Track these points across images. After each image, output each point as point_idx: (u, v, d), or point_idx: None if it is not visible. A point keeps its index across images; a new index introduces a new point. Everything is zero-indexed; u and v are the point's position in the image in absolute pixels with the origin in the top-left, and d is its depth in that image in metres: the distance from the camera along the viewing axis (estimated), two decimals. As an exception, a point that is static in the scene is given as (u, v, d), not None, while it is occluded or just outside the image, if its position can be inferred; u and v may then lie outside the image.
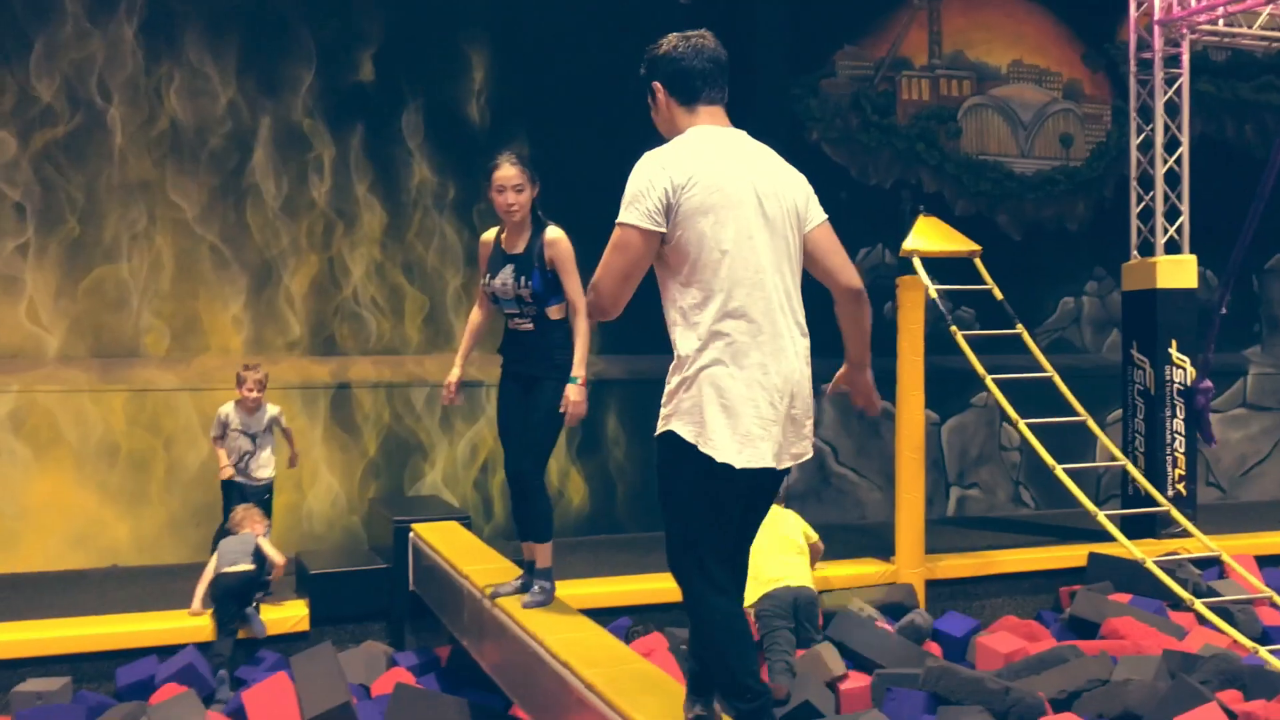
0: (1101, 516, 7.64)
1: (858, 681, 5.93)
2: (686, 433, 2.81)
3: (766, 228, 2.89)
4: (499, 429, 5.00)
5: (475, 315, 5.06)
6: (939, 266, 8.10)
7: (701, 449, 2.77)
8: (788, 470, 2.94)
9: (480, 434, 9.04)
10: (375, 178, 8.94)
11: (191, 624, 6.25)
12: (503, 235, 4.75)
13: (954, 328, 7.73)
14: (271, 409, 7.19)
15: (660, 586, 6.70)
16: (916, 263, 7.60)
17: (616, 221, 2.92)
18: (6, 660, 5.95)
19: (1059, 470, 7.66)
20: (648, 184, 2.84)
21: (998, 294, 8.05)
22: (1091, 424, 8.08)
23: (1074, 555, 8.13)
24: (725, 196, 2.83)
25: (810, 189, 3.08)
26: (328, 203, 8.81)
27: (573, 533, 9.18)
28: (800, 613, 6.26)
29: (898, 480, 7.66)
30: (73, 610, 6.54)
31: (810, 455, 3.00)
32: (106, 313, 8.27)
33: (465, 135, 9.20)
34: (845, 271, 3.06)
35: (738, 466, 2.77)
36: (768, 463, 2.79)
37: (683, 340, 2.87)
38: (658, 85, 3.02)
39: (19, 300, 8.07)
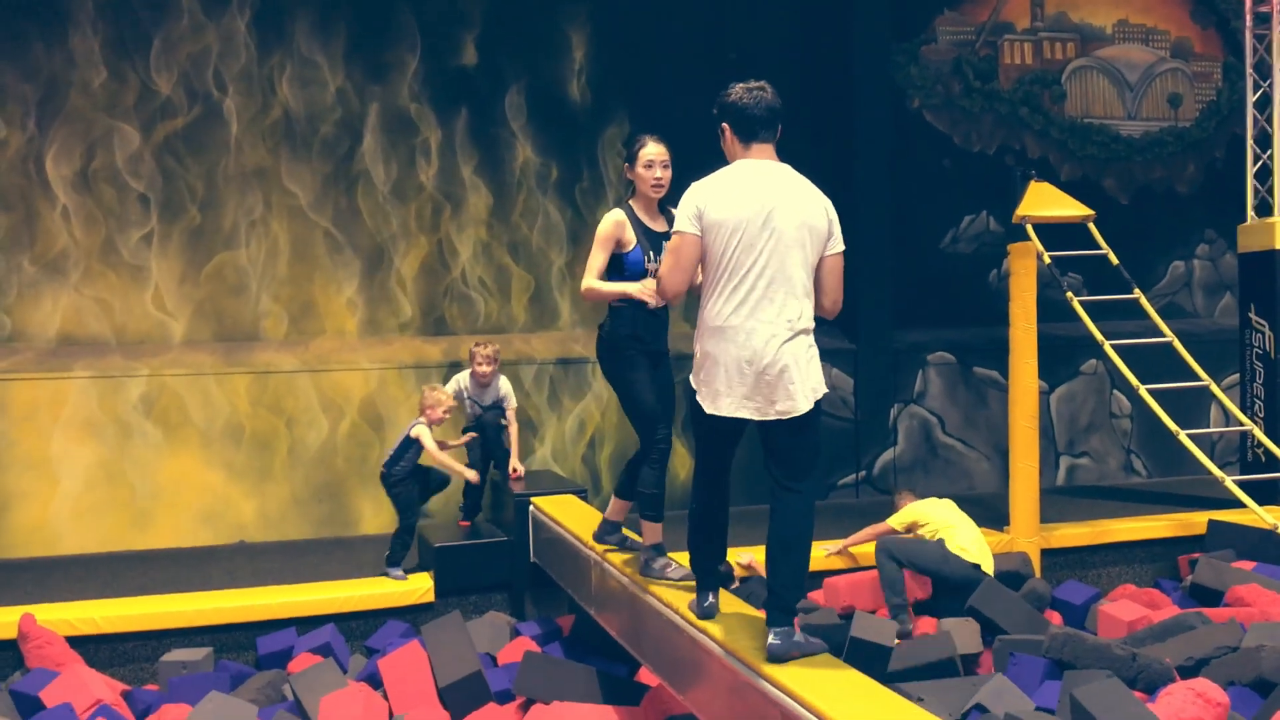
0: (1229, 483, 7.50)
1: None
2: (696, 390, 3.79)
3: (773, 240, 3.62)
4: (650, 403, 4.65)
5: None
6: (1047, 232, 7.99)
7: (696, 398, 3.78)
8: (776, 419, 3.64)
9: (588, 409, 9.16)
10: (480, 160, 9.09)
11: (327, 595, 6.48)
12: (641, 215, 4.67)
13: (1070, 294, 7.63)
14: (503, 387, 7.44)
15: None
16: (1029, 229, 7.50)
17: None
18: (152, 631, 6.23)
19: (1183, 436, 7.53)
20: (687, 202, 3.76)
21: (1113, 259, 7.92)
22: (1215, 388, 7.93)
23: (1192, 523, 7.99)
24: (738, 217, 3.63)
25: (834, 216, 3.80)
26: (435, 186, 8.99)
27: (680, 505, 9.23)
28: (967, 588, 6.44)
29: (1011, 449, 7.60)
30: (209, 584, 6.81)
31: (797, 413, 3.64)
32: (227, 298, 8.56)
33: (567, 115, 9.30)
34: (831, 298, 3.82)
35: (707, 411, 3.73)
36: (733, 413, 3.67)
37: (699, 320, 3.76)
38: (726, 126, 3.83)
39: (146, 288, 8.39)
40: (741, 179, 3.71)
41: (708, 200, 3.68)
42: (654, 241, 4.61)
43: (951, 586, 6.49)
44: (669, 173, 4.64)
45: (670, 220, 4.54)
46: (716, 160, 3.90)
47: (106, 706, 5.37)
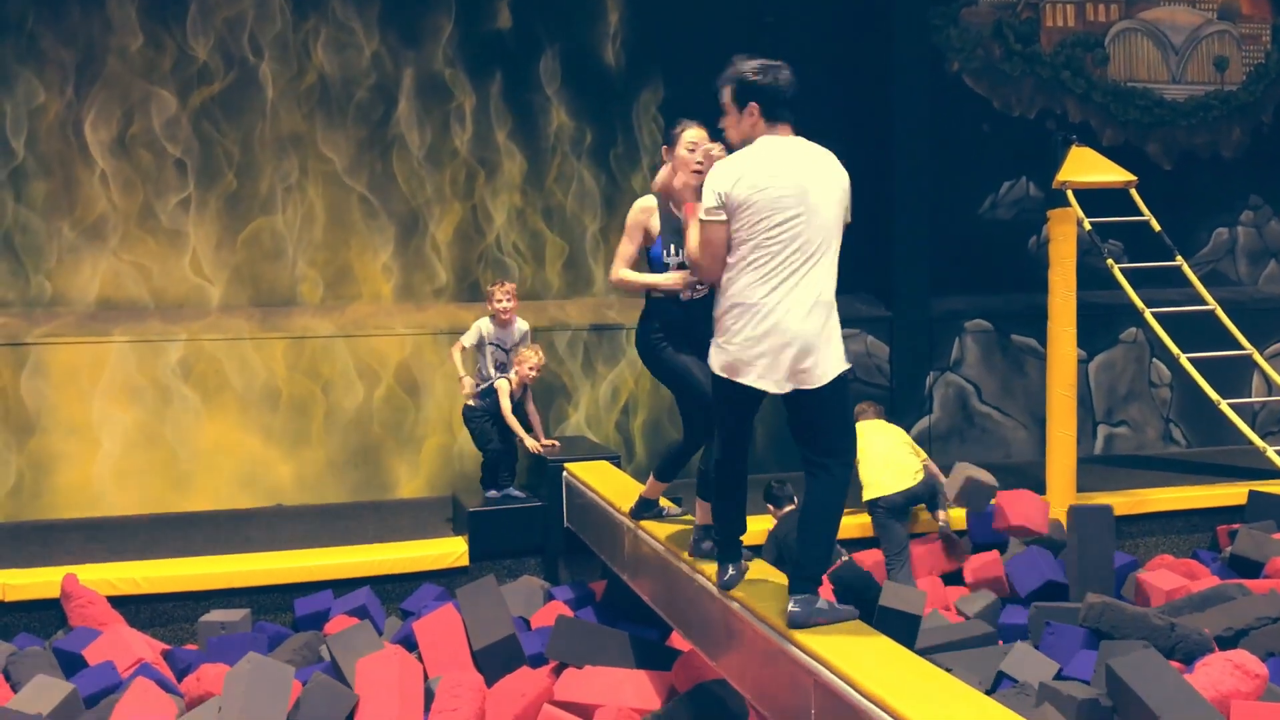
0: (1271, 453, 7.40)
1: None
2: (714, 357, 3.78)
3: (806, 216, 3.62)
4: (701, 387, 4.34)
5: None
6: (1087, 198, 7.88)
7: (713, 368, 3.79)
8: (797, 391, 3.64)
9: (621, 376, 9.16)
10: (514, 125, 9.06)
11: (363, 558, 6.55)
12: (675, 202, 4.51)
13: (1110, 260, 7.53)
14: (522, 324, 7.33)
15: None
16: (1070, 195, 7.40)
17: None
18: (192, 593, 6.33)
19: (1224, 405, 7.44)
20: (711, 184, 3.72)
21: (1155, 225, 7.81)
22: (1258, 357, 7.82)
23: (1232, 494, 7.91)
24: (771, 195, 3.62)
25: (849, 186, 3.84)
26: (469, 151, 8.97)
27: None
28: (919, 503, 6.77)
29: (1049, 417, 7.54)
30: (248, 546, 6.90)
31: (818, 384, 3.62)
32: (264, 263, 8.60)
33: (601, 80, 9.24)
34: None
35: (725, 378, 3.74)
36: (752, 383, 3.65)
37: (722, 291, 3.75)
38: (755, 105, 3.78)
39: (183, 253, 8.45)
40: (772, 156, 3.70)
41: (735, 180, 3.66)
42: (680, 232, 4.44)
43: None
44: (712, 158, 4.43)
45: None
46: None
47: (147, 665, 5.46)
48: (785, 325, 3.58)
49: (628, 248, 4.56)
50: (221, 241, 8.52)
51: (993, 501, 6.91)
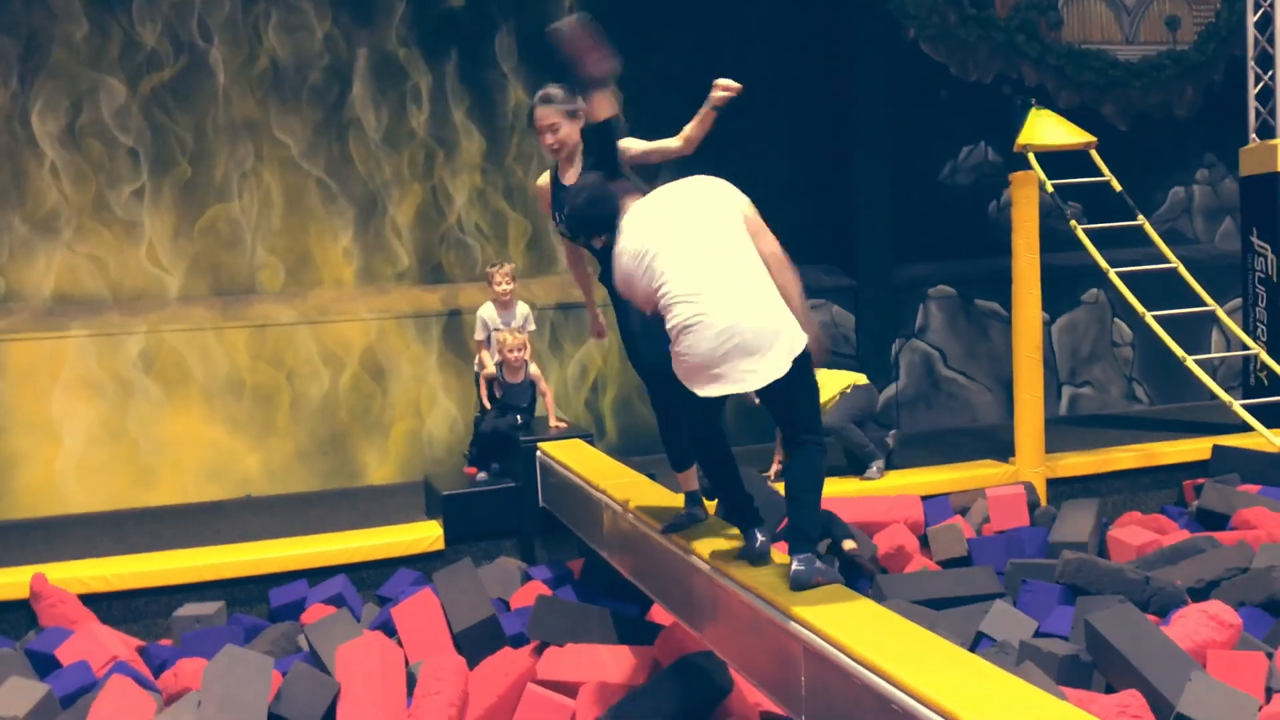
0: (1238, 407, 7.49)
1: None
2: (674, 366, 3.76)
3: (667, 249, 3.73)
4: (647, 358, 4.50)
5: (571, 262, 4.89)
6: (1047, 161, 7.93)
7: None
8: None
9: (589, 355, 9.13)
10: (472, 103, 8.97)
11: (337, 546, 6.49)
12: (560, 175, 4.52)
13: (1074, 222, 7.58)
14: (523, 307, 7.29)
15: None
16: (1031, 157, 7.43)
17: None
18: (164, 587, 6.23)
19: (1190, 361, 7.52)
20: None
21: (1116, 185, 7.87)
22: (1221, 313, 7.92)
23: (1196, 449, 8.00)
24: (634, 249, 3.82)
25: (717, 181, 4.01)
26: (427, 131, 8.88)
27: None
28: None
29: (1016, 380, 7.59)
30: (219, 539, 6.81)
31: (774, 378, 3.56)
32: (222, 251, 8.48)
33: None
34: (768, 249, 3.85)
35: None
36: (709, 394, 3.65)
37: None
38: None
39: (139, 243, 8.31)
40: (629, 226, 3.90)
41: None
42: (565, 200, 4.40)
43: None
44: (561, 134, 4.42)
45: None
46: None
47: (123, 663, 5.38)
48: (720, 325, 3.53)
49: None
50: (178, 231, 8.38)
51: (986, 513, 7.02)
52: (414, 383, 8.63)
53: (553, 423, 7.01)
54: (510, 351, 6.92)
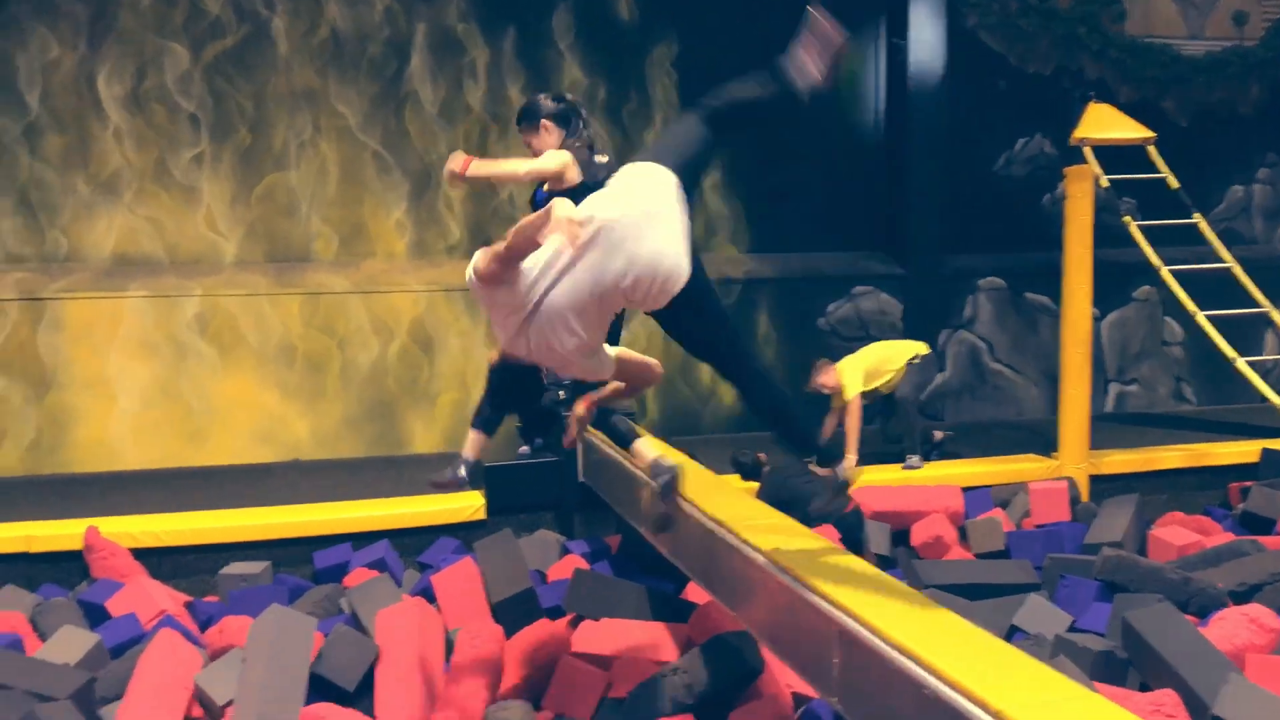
0: (1286, 409, 7.40)
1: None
2: None
3: None
4: None
5: None
6: (1104, 156, 7.85)
7: None
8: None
9: (633, 332, 9.16)
10: (528, 80, 9.01)
11: (381, 512, 6.61)
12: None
13: (1128, 218, 7.50)
14: None
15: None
16: (1087, 151, 7.37)
17: None
18: (212, 545, 6.38)
19: (1241, 363, 7.44)
20: None
21: (1173, 182, 7.78)
22: (1276, 315, 7.81)
23: (1244, 451, 7.92)
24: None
25: None
26: (483, 107, 8.94)
27: (725, 430, 9.32)
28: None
29: (1063, 375, 7.55)
30: (266, 500, 6.95)
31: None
32: (278, 219, 8.60)
33: (615, 34, 9.18)
34: None
35: None
36: None
37: None
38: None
39: (198, 208, 8.45)
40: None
41: None
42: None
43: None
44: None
45: None
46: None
47: (170, 617, 5.52)
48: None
49: None
50: (236, 197, 8.51)
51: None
52: (461, 355, 8.72)
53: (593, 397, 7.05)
54: None
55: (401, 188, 8.80)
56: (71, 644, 5.04)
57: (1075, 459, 7.50)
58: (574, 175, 5.00)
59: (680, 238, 3.43)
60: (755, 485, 6.81)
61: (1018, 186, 10.06)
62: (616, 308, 3.44)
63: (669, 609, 5.47)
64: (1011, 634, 5.38)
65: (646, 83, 9.28)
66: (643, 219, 3.36)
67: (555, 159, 5.00)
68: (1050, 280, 8.26)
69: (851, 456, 7.12)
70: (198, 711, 4.78)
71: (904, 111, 9.54)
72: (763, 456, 6.86)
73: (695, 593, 5.64)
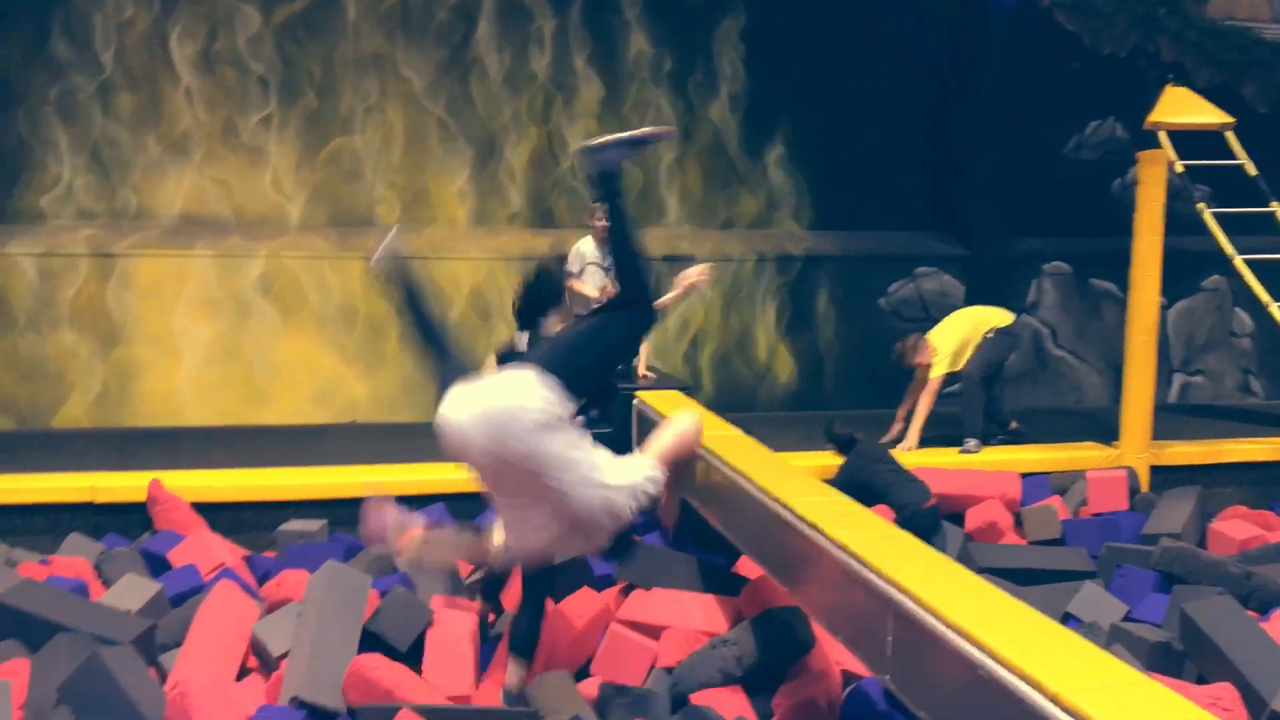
0: (1357, 406, 7.21)
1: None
2: None
3: None
4: None
5: None
6: (1178, 141, 7.68)
7: None
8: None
9: (691, 309, 9.15)
10: (593, 50, 9.00)
11: (438, 476, 6.66)
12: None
13: (1201, 205, 7.34)
14: None
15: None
16: (1162, 136, 7.21)
17: None
18: (271, 502, 6.48)
19: (1311, 356, 7.24)
20: None
21: (1251, 169, 7.58)
22: (1354, 307, 7.60)
23: (1313, 447, 7.74)
24: None
25: None
26: (547, 76, 8.94)
27: (781, 408, 9.29)
28: None
29: (1127, 363, 7.42)
30: (324, 460, 7.04)
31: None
32: (342, 183, 8.68)
33: (683, 5, 9.12)
34: None
35: None
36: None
37: None
38: None
39: (264, 170, 8.55)
40: None
41: None
42: None
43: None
44: None
45: None
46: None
47: (229, 570, 5.62)
48: None
49: None
50: (301, 160, 8.60)
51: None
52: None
53: (641, 372, 7.05)
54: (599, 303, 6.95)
55: (464, 155, 8.83)
56: (134, 591, 5.16)
57: (1136, 448, 7.37)
58: None
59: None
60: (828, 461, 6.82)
61: (1088, 170, 9.88)
62: (525, 478, 3.69)
63: (720, 582, 5.47)
64: (1065, 621, 5.31)
65: (713, 55, 9.22)
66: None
67: None
68: (1117, 266, 8.10)
69: (912, 440, 7.07)
70: (253, 661, 4.87)
71: (973, 91, 9.40)
72: (859, 435, 6.80)
73: (747, 567, 5.63)
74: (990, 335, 7.30)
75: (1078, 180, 9.85)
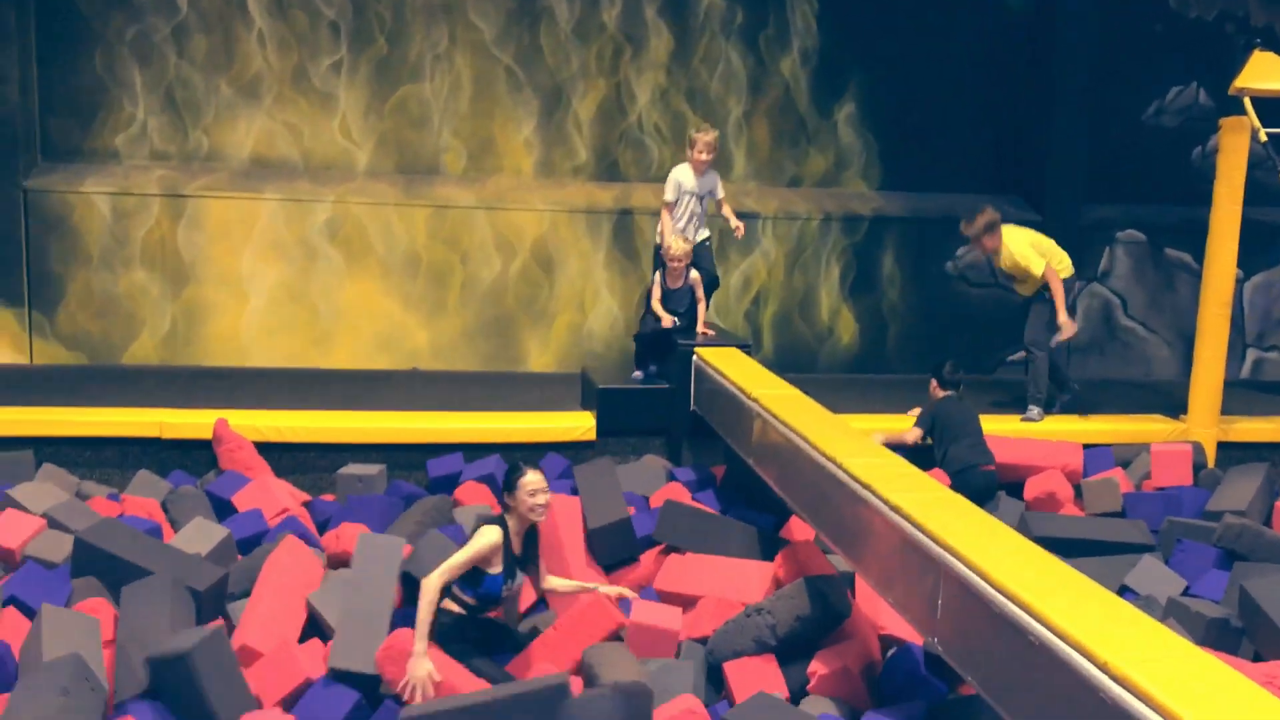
0: None
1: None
2: None
3: None
4: None
5: None
6: (1265, 108, 7.43)
7: None
8: None
9: (754, 266, 9.10)
10: (664, 1, 8.90)
11: (495, 425, 6.72)
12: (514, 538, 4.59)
13: (1285, 173, 7.12)
14: (713, 176, 7.24)
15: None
16: (1247, 103, 6.99)
17: None
18: (332, 445, 6.59)
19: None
20: None
21: (1338, 139, 7.33)
22: None
23: (1389, 428, 7.54)
24: None
25: None
26: (617, 26, 8.87)
27: (841, 369, 9.22)
28: None
29: (1198, 335, 7.26)
30: (384, 405, 7.13)
31: None
32: (410, 130, 8.71)
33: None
34: None
35: None
36: None
37: None
38: None
39: (333, 116, 8.61)
40: None
41: None
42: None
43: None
44: (549, 495, 4.60)
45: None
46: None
47: (293, 518, 5.71)
48: None
49: (458, 564, 4.39)
50: (370, 107, 8.64)
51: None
52: (580, 277, 8.77)
53: (700, 329, 7.03)
54: (674, 261, 6.92)
55: (532, 105, 8.82)
56: (203, 535, 5.24)
57: (1204, 423, 7.23)
58: None
59: None
60: (874, 424, 6.81)
61: (1167, 136, 9.63)
62: None
63: (759, 546, 5.45)
64: (1121, 593, 5.25)
65: (786, 9, 9.08)
66: None
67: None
68: (1193, 236, 7.93)
69: (1065, 318, 7.09)
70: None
71: (1052, 52, 9.18)
72: (962, 388, 6.80)
73: (797, 528, 5.63)
74: (1049, 294, 7.20)
75: (1156, 147, 9.60)
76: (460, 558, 4.38)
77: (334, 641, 4.35)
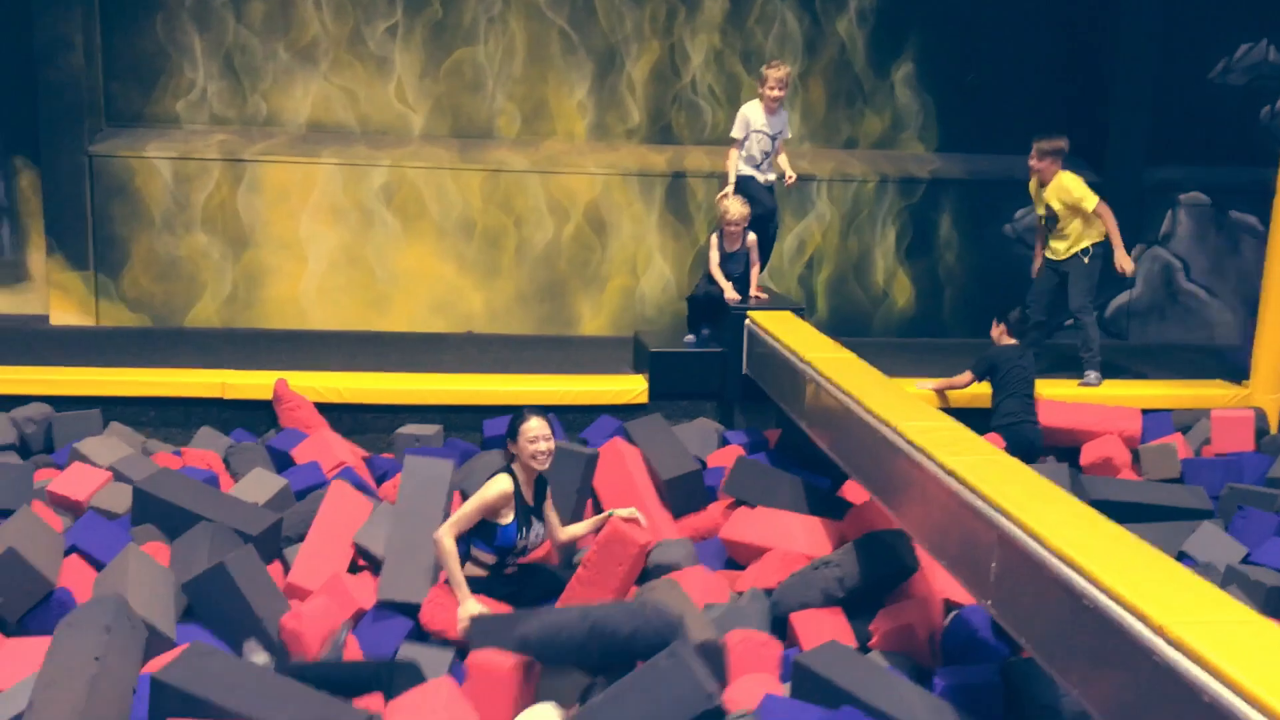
0: None
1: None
2: None
3: None
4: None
5: None
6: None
7: None
8: None
9: (809, 229, 9.05)
10: (719, -38, 8.84)
11: (549, 388, 6.78)
12: (524, 488, 4.60)
13: (1356, 134, 6.93)
14: (783, 116, 7.19)
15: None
16: (1318, 59, 6.80)
17: None
18: (389, 406, 6.69)
19: None
20: None
21: None
22: None
23: None
24: None
25: None
26: (671, -12, 8.82)
27: (896, 333, 9.16)
28: None
29: (1263, 299, 7.12)
30: (440, 367, 7.22)
31: None
32: (464, 94, 8.74)
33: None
34: None
35: None
36: None
37: None
38: None
39: (389, 80, 8.65)
40: None
41: None
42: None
43: None
44: (552, 443, 4.59)
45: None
46: None
47: (349, 469, 5.83)
48: None
49: (467, 514, 4.40)
50: (425, 70, 8.67)
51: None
52: (632, 241, 8.78)
53: (753, 292, 7.00)
54: (731, 225, 6.89)
55: (585, 67, 8.80)
56: (261, 485, 5.38)
57: (1267, 389, 7.11)
58: None
59: None
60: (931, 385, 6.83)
61: (1234, 96, 9.40)
62: None
63: (825, 505, 5.47)
64: (1179, 559, 5.19)
65: (841, -31, 8.97)
66: None
67: None
68: (1260, 199, 7.75)
69: (1123, 254, 7.11)
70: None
71: (1116, 10, 8.98)
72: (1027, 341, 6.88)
73: (851, 492, 5.63)
74: (1086, 258, 7.10)
75: (1223, 107, 9.38)
76: (469, 507, 4.43)
77: (383, 573, 4.46)
